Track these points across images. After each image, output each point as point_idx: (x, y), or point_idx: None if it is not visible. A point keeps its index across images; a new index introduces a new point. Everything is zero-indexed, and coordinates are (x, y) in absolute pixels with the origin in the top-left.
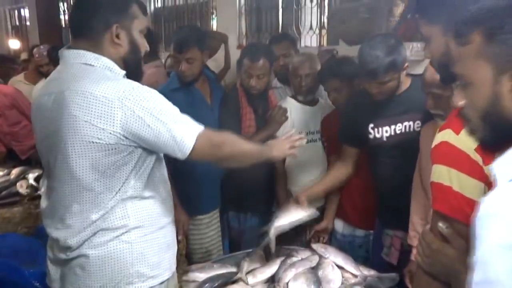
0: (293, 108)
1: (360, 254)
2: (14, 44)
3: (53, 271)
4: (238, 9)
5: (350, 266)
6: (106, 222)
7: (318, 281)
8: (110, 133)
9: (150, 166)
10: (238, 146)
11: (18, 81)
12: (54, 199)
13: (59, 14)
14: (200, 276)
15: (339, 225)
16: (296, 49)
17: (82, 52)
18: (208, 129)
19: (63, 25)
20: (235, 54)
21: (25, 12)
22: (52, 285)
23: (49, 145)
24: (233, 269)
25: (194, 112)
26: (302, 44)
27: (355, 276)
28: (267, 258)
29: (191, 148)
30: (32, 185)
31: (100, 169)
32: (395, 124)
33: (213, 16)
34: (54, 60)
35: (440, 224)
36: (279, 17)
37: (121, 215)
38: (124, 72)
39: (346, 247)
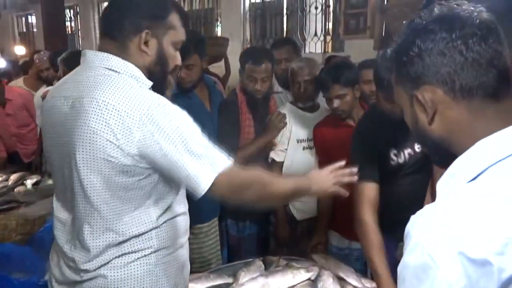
0: (293, 114)
1: (357, 268)
2: (20, 50)
3: None
4: (243, 15)
5: (351, 278)
6: (127, 247)
7: None
8: (127, 153)
9: (174, 195)
10: (267, 190)
11: (18, 86)
12: (73, 213)
13: (65, 22)
14: (196, 287)
15: (335, 238)
16: (299, 54)
17: (108, 56)
18: (234, 167)
19: (69, 32)
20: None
21: (32, 19)
22: None
23: (62, 154)
24: (230, 280)
25: (192, 118)
26: (307, 50)
27: None
28: (266, 268)
29: (205, 190)
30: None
31: (112, 189)
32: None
33: (218, 23)
34: (55, 66)
35: None
36: (284, 23)
37: (145, 238)
38: (150, 83)
39: (342, 260)
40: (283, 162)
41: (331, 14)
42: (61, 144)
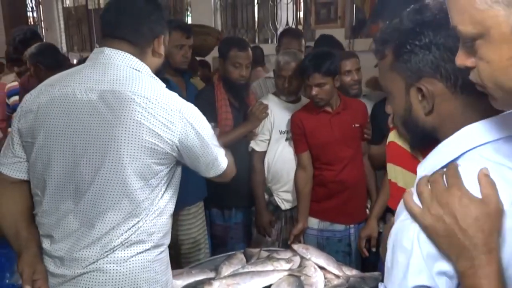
0: (275, 105)
1: (341, 249)
2: None
3: None
4: (213, 5)
5: (332, 267)
6: (134, 234)
7: (300, 285)
8: (167, 142)
9: (179, 179)
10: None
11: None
12: (86, 205)
13: (26, 12)
14: (177, 283)
15: (315, 223)
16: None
17: (129, 55)
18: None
19: (31, 23)
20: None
21: None
22: None
23: (84, 143)
24: (212, 275)
25: None
26: None
27: (337, 277)
28: (248, 260)
29: (225, 167)
30: None
31: (147, 177)
32: None
33: (188, 13)
34: None
35: (391, 219)
36: (255, 13)
37: (150, 229)
38: (164, 84)
39: (323, 243)
40: (262, 152)
41: (302, 3)
42: (86, 133)
